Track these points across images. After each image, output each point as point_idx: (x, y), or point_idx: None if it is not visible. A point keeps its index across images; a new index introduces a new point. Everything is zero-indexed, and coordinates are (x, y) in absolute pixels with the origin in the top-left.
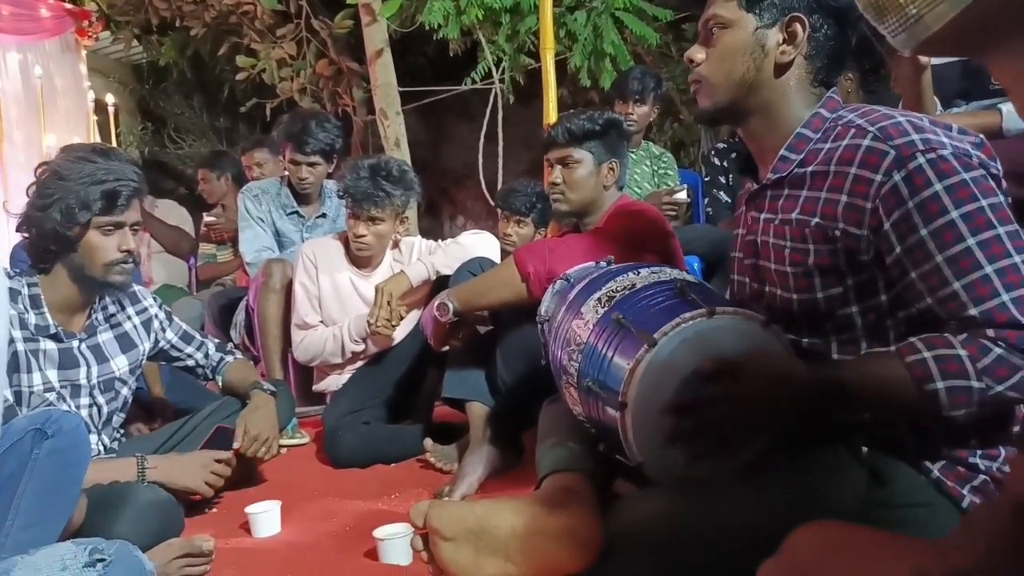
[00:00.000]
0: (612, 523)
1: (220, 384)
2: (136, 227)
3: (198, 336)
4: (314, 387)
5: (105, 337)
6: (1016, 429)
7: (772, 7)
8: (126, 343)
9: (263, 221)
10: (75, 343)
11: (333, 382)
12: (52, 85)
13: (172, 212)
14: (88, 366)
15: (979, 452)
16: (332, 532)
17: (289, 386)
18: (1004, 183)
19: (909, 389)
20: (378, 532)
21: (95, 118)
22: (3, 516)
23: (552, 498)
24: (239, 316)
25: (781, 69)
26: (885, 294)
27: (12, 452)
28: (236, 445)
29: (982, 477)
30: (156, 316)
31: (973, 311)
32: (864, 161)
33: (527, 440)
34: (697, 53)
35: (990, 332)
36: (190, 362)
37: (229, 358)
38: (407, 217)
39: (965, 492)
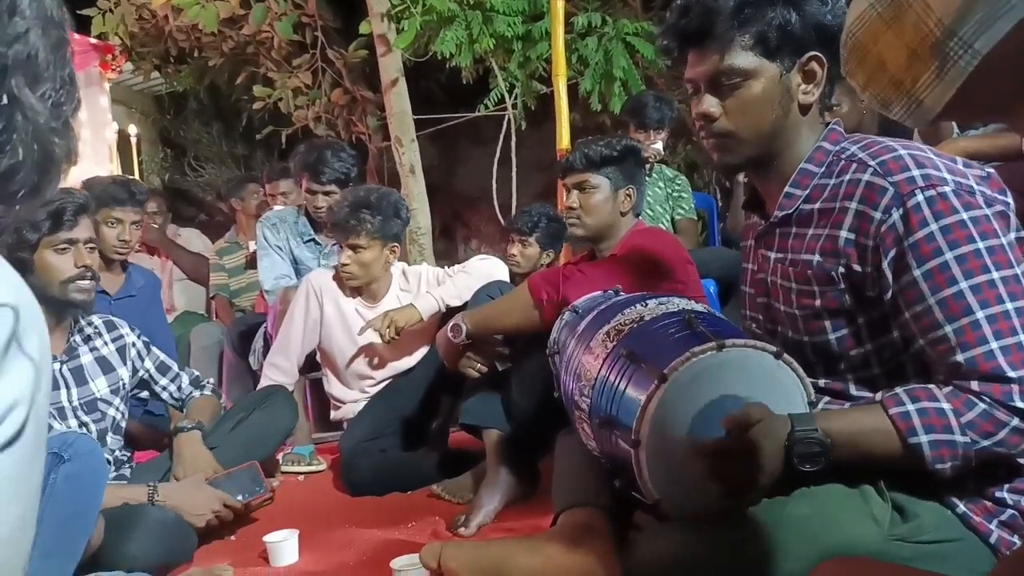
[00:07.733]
0: (630, 560)
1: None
2: (90, 243)
3: (174, 368)
4: (331, 417)
5: (86, 360)
6: None
7: (788, 50)
8: (105, 366)
9: (281, 249)
10: (56, 365)
11: (350, 410)
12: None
13: (195, 240)
14: (68, 388)
15: (1006, 486)
16: (349, 562)
17: (307, 412)
18: (1013, 218)
19: (893, 441)
20: (395, 563)
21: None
22: None
23: (568, 536)
24: (258, 343)
25: (805, 109)
26: (897, 331)
27: None
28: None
29: (1010, 511)
30: (133, 344)
31: (960, 356)
32: (864, 197)
33: (543, 467)
34: (712, 108)
35: (975, 385)
36: (164, 394)
37: (197, 393)
38: (397, 246)
39: (992, 527)
